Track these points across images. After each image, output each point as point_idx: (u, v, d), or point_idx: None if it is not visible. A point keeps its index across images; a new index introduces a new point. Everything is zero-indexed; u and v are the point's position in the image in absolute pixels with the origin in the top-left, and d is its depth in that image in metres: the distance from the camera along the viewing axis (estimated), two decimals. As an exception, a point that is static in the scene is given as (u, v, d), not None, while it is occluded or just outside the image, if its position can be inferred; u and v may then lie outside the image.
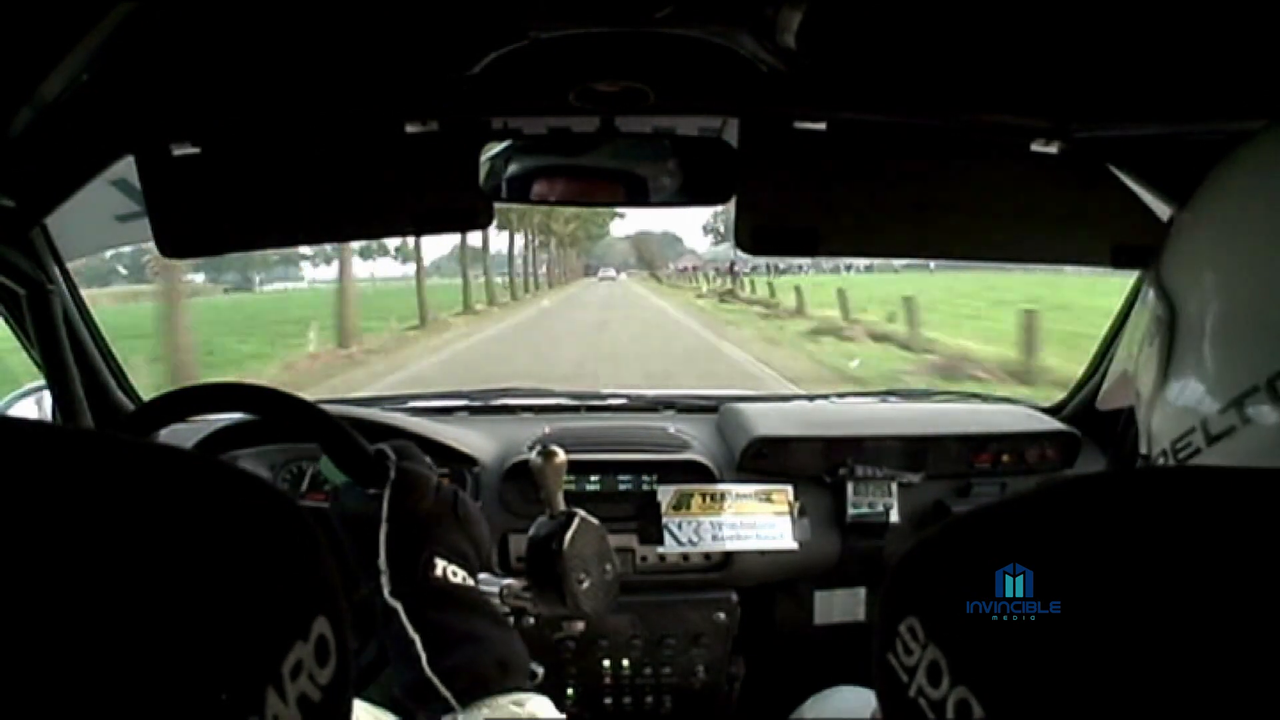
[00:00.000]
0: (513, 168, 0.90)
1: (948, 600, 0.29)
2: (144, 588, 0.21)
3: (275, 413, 0.91)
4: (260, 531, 0.25)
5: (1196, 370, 0.44)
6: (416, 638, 0.58)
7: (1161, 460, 0.46)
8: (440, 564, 0.62)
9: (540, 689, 0.61)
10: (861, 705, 0.84)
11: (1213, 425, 0.42)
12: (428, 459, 0.70)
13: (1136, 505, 0.28)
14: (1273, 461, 0.38)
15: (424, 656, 0.57)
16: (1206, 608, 0.25)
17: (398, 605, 0.60)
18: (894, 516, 1.25)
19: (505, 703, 0.57)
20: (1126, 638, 0.25)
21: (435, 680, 0.56)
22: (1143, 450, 0.50)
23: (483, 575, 0.91)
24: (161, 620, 0.21)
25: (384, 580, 0.61)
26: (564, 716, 0.61)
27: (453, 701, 0.56)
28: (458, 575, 0.62)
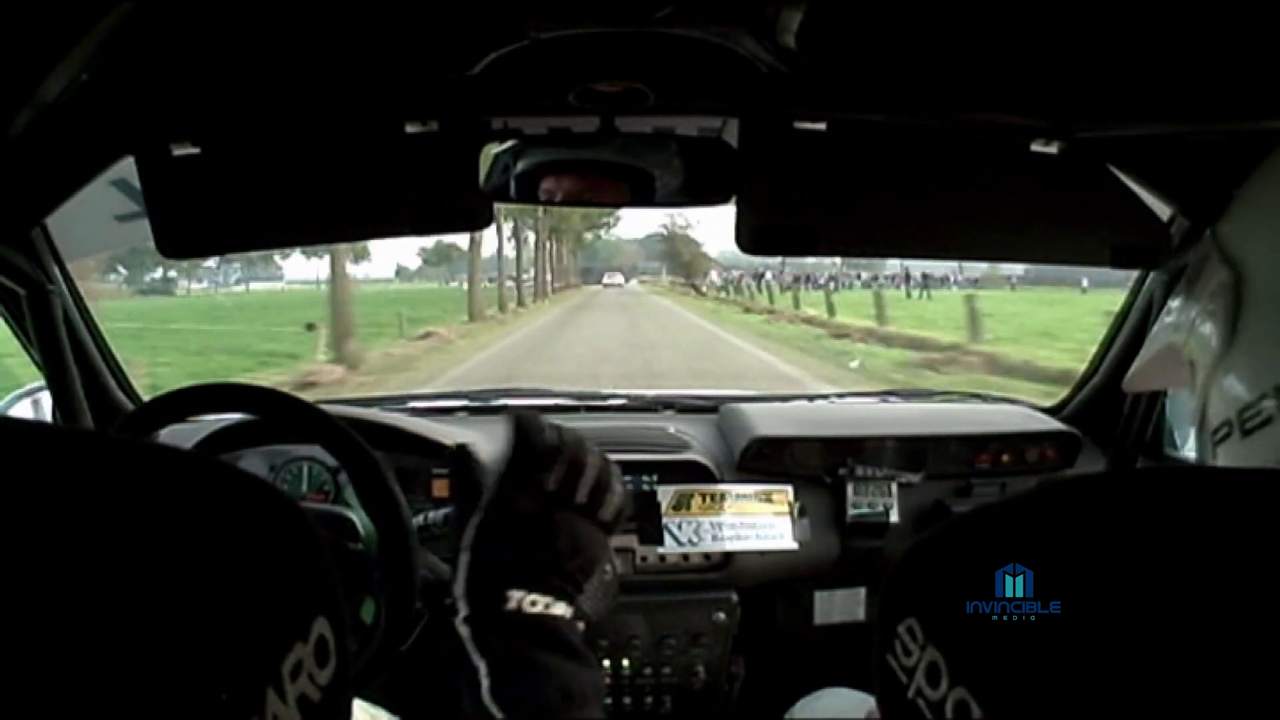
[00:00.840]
0: (521, 164, 0.90)
1: (946, 601, 0.29)
2: (144, 588, 0.21)
3: (276, 413, 0.91)
4: (260, 532, 0.25)
5: (1269, 334, 0.42)
6: (481, 664, 0.56)
7: (1225, 432, 0.44)
8: (516, 595, 0.58)
9: None
10: (852, 707, 0.84)
11: None
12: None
13: (1136, 506, 0.28)
14: None
15: (485, 684, 0.55)
16: (1204, 608, 0.24)
17: (464, 631, 0.58)
18: (894, 516, 1.25)
19: None
20: (1125, 638, 0.25)
21: (493, 708, 0.54)
22: (1192, 424, 0.47)
23: None
24: (161, 621, 0.21)
25: (460, 605, 0.58)
26: None
27: None
28: (537, 605, 0.59)
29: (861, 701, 0.82)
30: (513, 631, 0.57)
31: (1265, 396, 0.40)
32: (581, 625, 0.60)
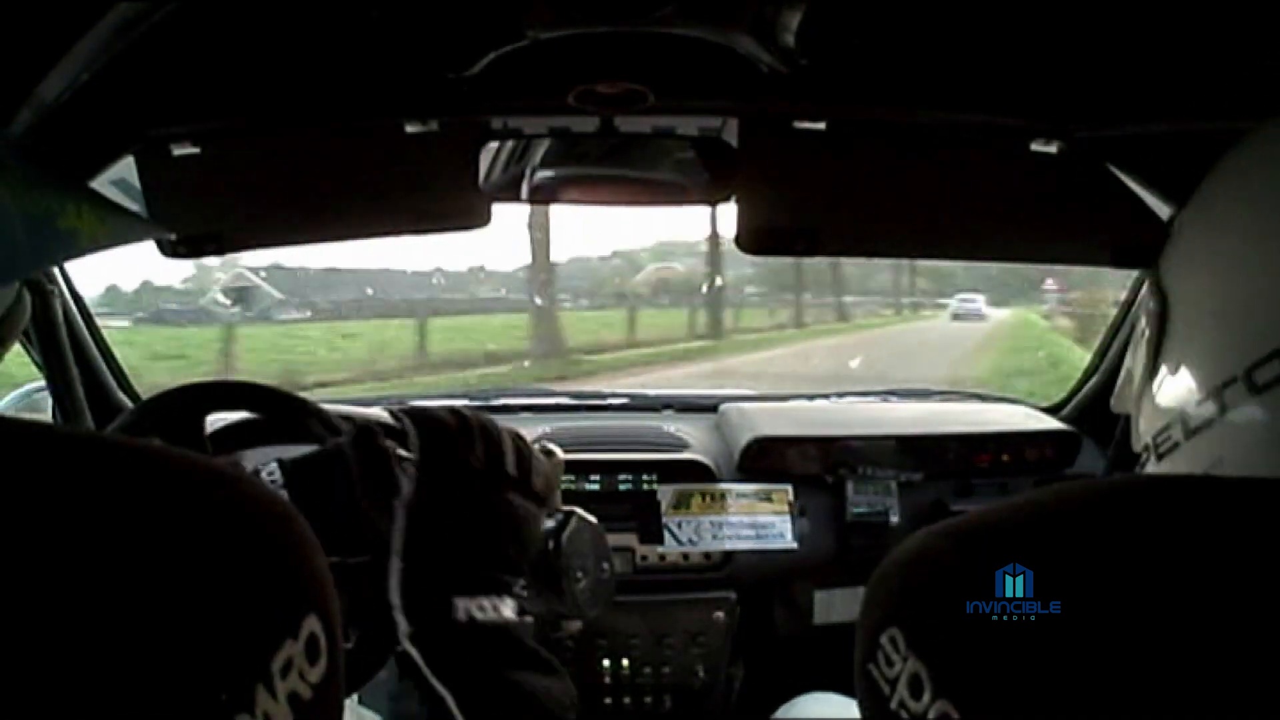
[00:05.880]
0: (530, 173, 0.90)
1: (929, 612, 0.29)
2: (135, 585, 0.21)
3: (274, 412, 0.91)
4: (251, 530, 0.25)
5: (1180, 363, 0.44)
6: (446, 694, 0.47)
7: (1145, 455, 0.46)
8: (463, 603, 0.49)
9: None
10: (835, 711, 0.84)
11: (1191, 418, 0.41)
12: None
13: (1126, 516, 0.28)
14: (1249, 457, 0.37)
15: (458, 716, 0.47)
16: (1196, 620, 0.24)
17: (415, 653, 0.48)
18: (894, 516, 1.25)
19: None
20: (1112, 652, 0.25)
21: None
22: (1135, 448, 0.49)
23: None
24: (152, 617, 0.21)
25: (398, 618, 0.48)
26: None
27: None
28: (485, 610, 0.49)
29: (845, 705, 0.82)
30: (471, 649, 0.49)
31: (1172, 424, 0.42)
32: (530, 620, 0.53)
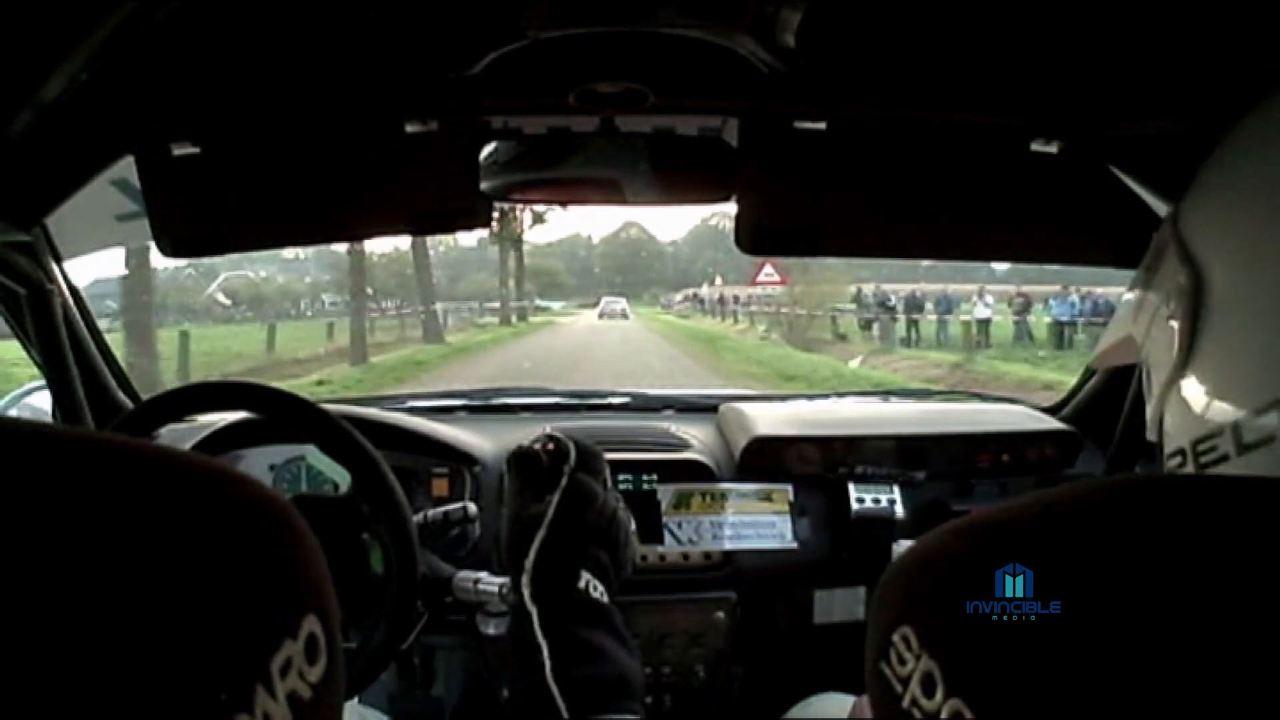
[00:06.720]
0: (512, 173, 0.90)
1: (942, 610, 0.28)
2: (134, 585, 0.21)
3: (275, 411, 0.91)
4: (251, 530, 0.25)
5: (1229, 358, 0.36)
6: (544, 644, 0.57)
7: (1178, 460, 0.38)
8: (585, 577, 0.61)
9: None
10: (844, 712, 0.84)
11: (1247, 430, 0.34)
12: (599, 468, 0.70)
13: (1142, 514, 0.28)
14: None
15: (548, 665, 0.57)
16: (1204, 621, 0.24)
17: (533, 610, 0.59)
18: (894, 516, 1.25)
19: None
20: (1126, 652, 0.24)
21: (555, 689, 0.56)
22: (1150, 437, 0.42)
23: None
24: (151, 617, 0.21)
25: (525, 582, 0.61)
26: None
27: (564, 713, 0.55)
28: (598, 590, 0.62)
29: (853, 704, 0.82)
30: (578, 614, 0.60)
31: (1219, 434, 0.35)
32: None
